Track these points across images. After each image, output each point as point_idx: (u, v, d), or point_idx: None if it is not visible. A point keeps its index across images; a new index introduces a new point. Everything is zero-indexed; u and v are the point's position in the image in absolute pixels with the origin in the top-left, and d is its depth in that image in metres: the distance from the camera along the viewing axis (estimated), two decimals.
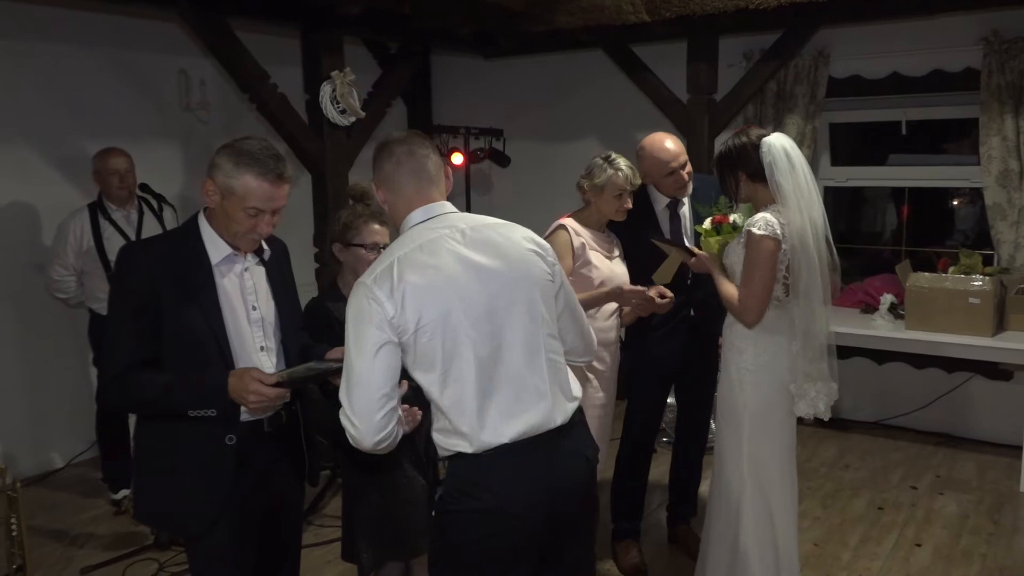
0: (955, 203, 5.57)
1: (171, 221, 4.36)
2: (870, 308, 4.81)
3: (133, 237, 4.15)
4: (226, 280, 2.15)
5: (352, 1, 3.90)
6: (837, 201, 5.66)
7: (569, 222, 3.15)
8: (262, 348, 2.19)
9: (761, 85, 4.96)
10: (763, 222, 2.64)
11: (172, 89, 5.14)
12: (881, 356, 5.03)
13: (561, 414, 1.94)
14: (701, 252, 2.97)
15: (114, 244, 4.09)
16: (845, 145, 5.51)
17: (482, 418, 1.86)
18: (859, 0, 3.99)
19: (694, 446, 3.73)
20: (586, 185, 3.14)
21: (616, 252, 3.26)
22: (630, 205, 3.16)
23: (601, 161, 3.13)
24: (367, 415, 1.83)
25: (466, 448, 1.88)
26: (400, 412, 1.90)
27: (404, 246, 1.92)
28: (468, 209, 6.15)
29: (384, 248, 2.62)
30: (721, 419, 2.93)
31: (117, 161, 4.12)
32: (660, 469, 4.00)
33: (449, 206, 2.00)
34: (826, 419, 2.83)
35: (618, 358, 3.32)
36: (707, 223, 3.12)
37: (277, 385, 2.01)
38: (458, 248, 1.90)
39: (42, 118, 4.54)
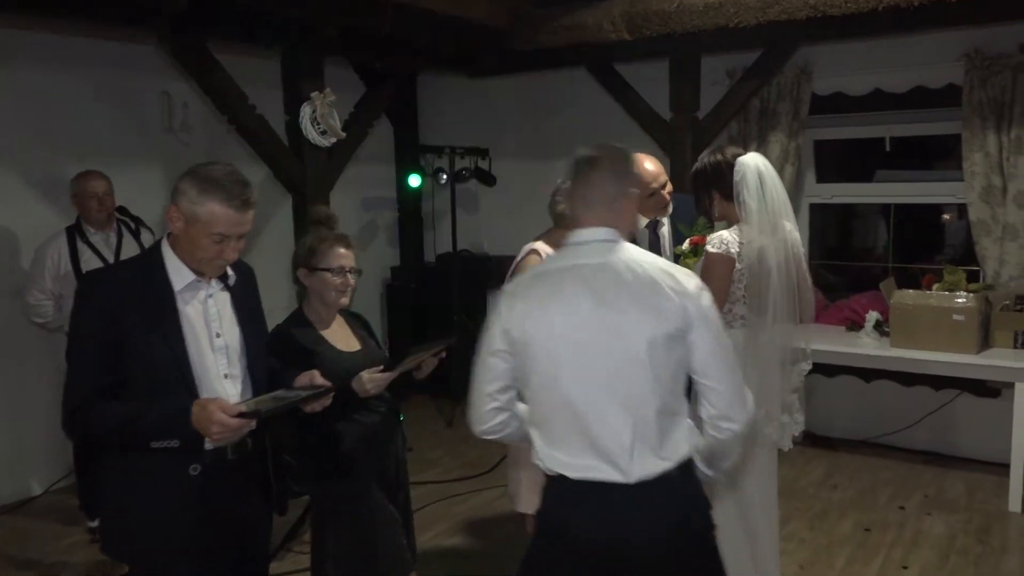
0: (946, 218, 5.56)
1: (150, 244, 4.33)
2: (856, 326, 4.78)
3: (112, 260, 4.10)
4: (189, 307, 2.12)
5: (331, 22, 3.89)
6: (824, 218, 5.65)
7: (540, 246, 3.11)
8: (226, 375, 2.15)
9: (743, 103, 4.95)
10: (718, 240, 2.68)
11: (154, 111, 5.13)
12: (868, 374, 5.00)
13: (638, 469, 1.84)
14: None
15: (93, 267, 4.04)
16: (830, 162, 5.50)
17: (551, 443, 1.93)
18: (839, 18, 3.97)
19: None
20: (560, 208, 3.10)
21: None
22: None
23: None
24: (475, 406, 2.05)
25: (539, 463, 1.98)
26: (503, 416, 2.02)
27: (546, 264, 2.08)
28: (454, 227, 6.13)
29: (351, 272, 2.59)
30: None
31: (95, 184, 4.08)
32: None
33: (602, 233, 1.94)
34: (785, 449, 2.83)
35: None
36: (685, 244, 3.11)
37: (241, 416, 1.98)
38: (572, 279, 1.90)
39: (20, 140, 4.51)
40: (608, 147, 2.02)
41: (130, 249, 4.15)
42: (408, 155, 6.57)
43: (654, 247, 3.39)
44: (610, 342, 1.85)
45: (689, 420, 1.93)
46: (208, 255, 2.08)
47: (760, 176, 2.68)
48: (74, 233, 4.08)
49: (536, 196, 5.74)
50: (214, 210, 2.03)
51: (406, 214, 6.83)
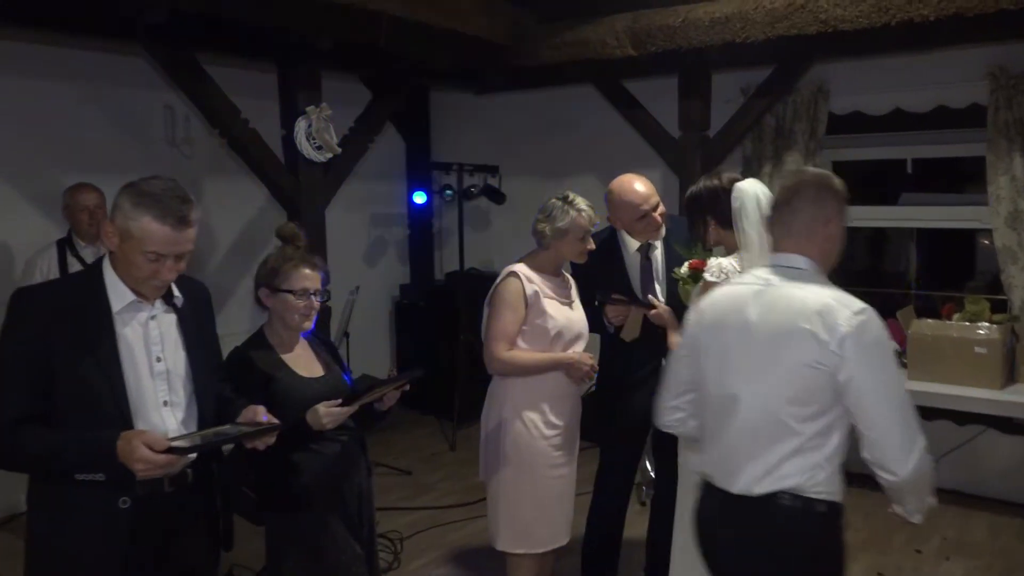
0: (985, 243, 5.30)
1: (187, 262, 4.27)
2: None
3: None
4: (128, 329, 2.00)
5: (323, 35, 3.80)
6: (848, 241, 5.41)
7: (521, 268, 2.96)
8: (165, 403, 2.03)
9: (755, 121, 4.77)
10: (716, 268, 2.53)
11: (157, 125, 5.09)
12: None
13: (757, 486, 1.94)
14: (660, 305, 2.83)
15: None
16: (849, 184, 5.25)
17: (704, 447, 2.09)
18: (851, 33, 3.79)
19: (673, 504, 3.49)
20: (547, 229, 2.94)
21: (573, 296, 3.07)
22: (592, 245, 2.98)
23: (560, 203, 2.94)
24: (660, 403, 2.21)
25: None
26: None
27: (739, 279, 2.15)
28: (461, 245, 6.01)
29: (315, 295, 2.47)
30: (683, 479, 2.72)
31: (86, 197, 4.04)
32: (639, 529, 3.76)
33: (795, 260, 2.01)
34: None
35: (579, 411, 3.11)
36: (684, 268, 2.95)
37: (171, 451, 1.85)
38: (754, 301, 1.97)
39: (18, 152, 4.47)
40: (814, 175, 2.12)
41: None
42: (418, 171, 6.47)
43: (646, 271, 3.23)
44: (767, 367, 1.91)
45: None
46: (143, 274, 1.97)
47: (759, 205, 2.55)
48: (64, 246, 4.04)
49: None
50: (147, 227, 1.92)
51: (416, 231, 6.73)
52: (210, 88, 3.90)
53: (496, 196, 5.97)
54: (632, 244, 3.24)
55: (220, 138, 4.19)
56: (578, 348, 3.01)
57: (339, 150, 4.31)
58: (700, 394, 2.09)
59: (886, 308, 5.17)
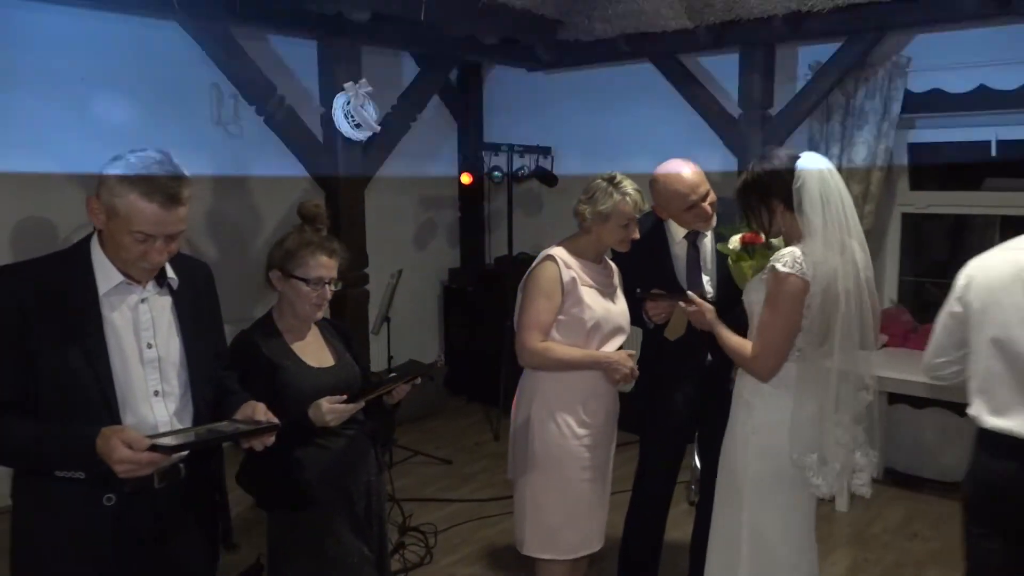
0: None
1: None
2: None
3: None
4: (116, 313, 1.87)
5: (359, 7, 3.63)
6: (921, 230, 5.03)
7: (559, 252, 2.75)
8: (156, 393, 1.89)
9: (821, 99, 4.43)
10: (790, 258, 2.24)
11: (204, 104, 5.02)
12: (961, 407, 4.37)
13: None
14: (702, 303, 2.56)
15: None
16: (928, 168, 4.90)
17: (994, 408, 2.17)
18: (933, 1, 3.43)
19: None
20: (587, 212, 2.72)
21: (615, 285, 2.85)
22: (637, 235, 2.75)
23: (605, 184, 2.71)
24: (928, 354, 2.37)
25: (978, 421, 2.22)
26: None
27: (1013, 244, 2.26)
28: (510, 229, 5.83)
29: (329, 284, 2.32)
30: (719, 483, 2.49)
31: None
32: (684, 531, 3.53)
33: None
34: (866, 494, 2.46)
35: (616, 408, 2.89)
36: (734, 241, 2.67)
37: (154, 449, 1.71)
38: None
39: (60, 130, 4.44)
40: None
41: None
42: (468, 152, 6.28)
43: (692, 261, 2.97)
44: None
45: None
46: (131, 256, 1.83)
47: (824, 185, 2.26)
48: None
49: None
50: (135, 204, 1.78)
51: (467, 214, 6.57)
52: (245, 62, 3.78)
53: (548, 178, 5.76)
54: (678, 232, 2.99)
55: (257, 115, 4.06)
56: (617, 343, 2.79)
57: (378, 128, 4.15)
58: (985, 356, 2.16)
59: None
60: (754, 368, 2.35)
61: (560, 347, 2.70)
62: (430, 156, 6.27)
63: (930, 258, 5.13)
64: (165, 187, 1.80)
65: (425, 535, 3.94)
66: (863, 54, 4.31)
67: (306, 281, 2.28)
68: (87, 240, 1.91)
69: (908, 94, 4.42)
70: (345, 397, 2.19)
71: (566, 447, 2.72)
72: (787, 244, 2.36)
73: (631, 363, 2.73)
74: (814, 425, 2.28)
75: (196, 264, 2.11)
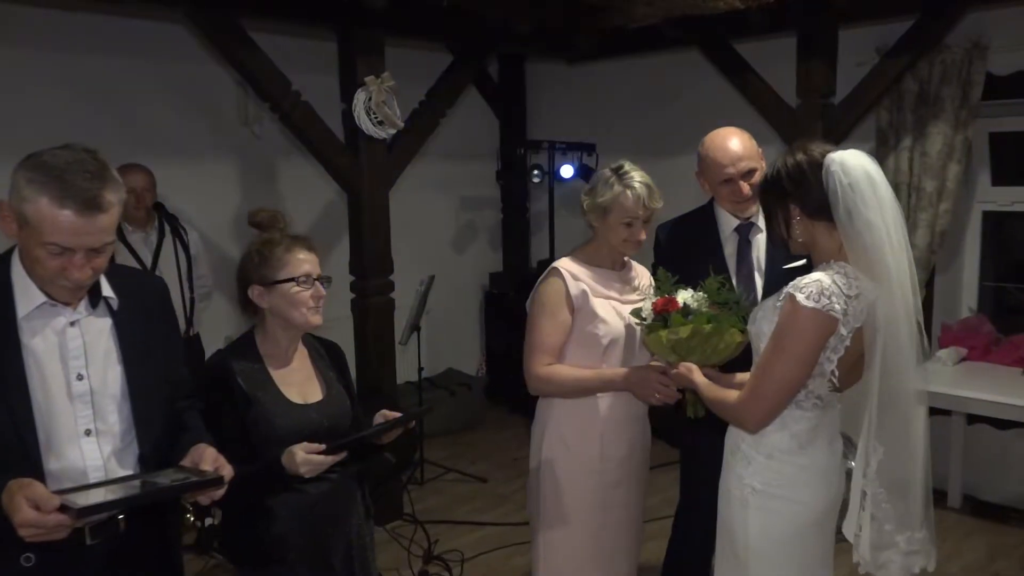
0: None
1: (196, 245, 4.01)
2: None
3: (149, 261, 3.82)
4: (38, 339, 1.61)
5: None
6: (1005, 229, 4.53)
7: (565, 264, 2.41)
8: (88, 432, 1.63)
9: (890, 85, 3.99)
10: (816, 288, 1.79)
11: (229, 103, 4.83)
12: None
13: None
14: (682, 368, 2.13)
15: None
16: (1012, 159, 4.41)
17: None
18: None
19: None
20: (587, 204, 2.39)
21: (643, 293, 2.47)
22: (643, 236, 2.38)
23: (609, 174, 2.37)
24: None
25: None
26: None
27: None
28: (551, 231, 5.52)
29: (320, 281, 2.03)
30: (718, 546, 2.10)
31: (133, 178, 3.79)
32: None
33: None
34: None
35: (647, 439, 2.54)
36: (645, 308, 2.25)
37: (63, 510, 1.42)
38: None
39: (89, 132, 4.24)
40: None
41: (171, 250, 3.84)
42: (510, 151, 5.97)
43: (744, 257, 2.59)
44: None
45: None
46: (47, 272, 1.56)
47: (874, 186, 1.77)
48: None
49: None
50: (45, 211, 1.51)
51: (510, 215, 6.26)
52: (257, 57, 3.54)
53: (592, 177, 5.42)
54: (730, 222, 2.60)
55: (271, 113, 3.83)
56: (644, 358, 2.43)
57: (401, 125, 3.88)
58: None
59: None
60: (737, 415, 1.91)
61: (567, 369, 2.37)
62: (470, 155, 5.98)
63: (1015, 261, 4.62)
64: (82, 191, 1.50)
65: (448, 565, 3.64)
66: (938, 33, 3.85)
67: (295, 281, 1.98)
68: (8, 254, 1.66)
69: (990, 77, 3.96)
70: (324, 447, 1.88)
71: (582, 484, 2.39)
72: (818, 262, 1.92)
73: (657, 374, 2.27)
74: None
75: (146, 279, 1.86)
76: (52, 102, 4.09)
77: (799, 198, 1.86)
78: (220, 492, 1.63)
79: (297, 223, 5.08)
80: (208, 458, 1.64)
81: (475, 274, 6.26)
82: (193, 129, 4.68)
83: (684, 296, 2.16)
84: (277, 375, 2.02)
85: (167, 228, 3.87)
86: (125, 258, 3.78)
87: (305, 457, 1.84)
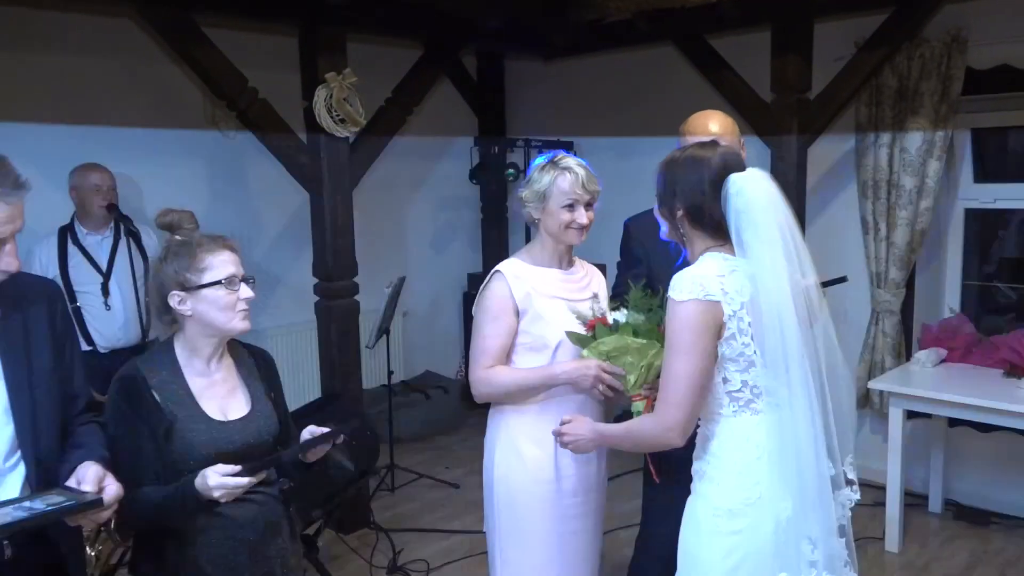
0: None
1: (155, 248, 3.89)
2: (1016, 370, 3.62)
3: (104, 265, 3.71)
4: None
5: None
6: (987, 227, 4.43)
7: (510, 266, 2.29)
8: None
9: (866, 79, 3.90)
10: (688, 281, 1.74)
11: (197, 103, 4.72)
12: None
13: None
14: (573, 422, 2.07)
15: (80, 273, 3.68)
16: (994, 156, 4.31)
17: None
18: None
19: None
20: (525, 195, 2.28)
21: (593, 292, 2.37)
22: (586, 220, 2.26)
23: (544, 162, 2.28)
24: None
25: None
26: None
27: None
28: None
29: (247, 282, 1.90)
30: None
31: (100, 176, 3.72)
32: None
33: None
34: None
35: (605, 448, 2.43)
36: (576, 323, 2.20)
37: None
38: None
39: (49, 132, 4.17)
40: None
41: (126, 253, 3.73)
42: (486, 149, 5.86)
43: None
44: None
45: None
46: None
47: (771, 209, 1.73)
48: (66, 234, 3.70)
49: (631, 196, 4.90)
50: None
51: (489, 215, 6.15)
52: (211, 53, 3.44)
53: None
54: None
55: (227, 111, 3.74)
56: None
57: (363, 123, 3.78)
58: None
59: None
60: (655, 432, 1.81)
61: (506, 369, 2.26)
62: (448, 154, 5.88)
63: (998, 260, 4.52)
64: None
65: None
66: (915, 25, 3.76)
67: (221, 283, 1.85)
68: None
69: (970, 72, 3.86)
70: (239, 468, 1.75)
71: (539, 496, 2.29)
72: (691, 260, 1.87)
73: (594, 367, 2.15)
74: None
75: (38, 285, 1.74)
76: (8, 102, 3.98)
77: (688, 197, 1.81)
78: (104, 514, 1.53)
79: (268, 225, 5.09)
80: (91, 478, 1.53)
81: (454, 275, 6.15)
82: (157, 128, 4.57)
83: (613, 315, 2.13)
84: (197, 388, 1.88)
85: (122, 230, 3.76)
86: (78, 262, 3.68)
87: (220, 481, 1.71)
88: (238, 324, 1.89)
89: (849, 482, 1.81)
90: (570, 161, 2.26)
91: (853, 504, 1.82)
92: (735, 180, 1.74)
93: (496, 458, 2.33)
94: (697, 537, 1.84)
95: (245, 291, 1.90)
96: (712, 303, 1.72)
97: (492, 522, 2.37)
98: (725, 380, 1.78)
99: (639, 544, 2.71)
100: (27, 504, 1.48)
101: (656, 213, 1.95)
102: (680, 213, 1.83)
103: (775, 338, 1.70)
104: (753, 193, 1.72)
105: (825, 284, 2.46)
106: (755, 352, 1.75)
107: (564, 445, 2.09)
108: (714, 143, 1.90)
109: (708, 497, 1.83)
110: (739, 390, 1.78)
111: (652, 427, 1.83)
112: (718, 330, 1.74)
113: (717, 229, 1.78)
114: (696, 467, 1.89)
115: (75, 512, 1.50)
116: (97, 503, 1.50)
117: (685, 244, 1.88)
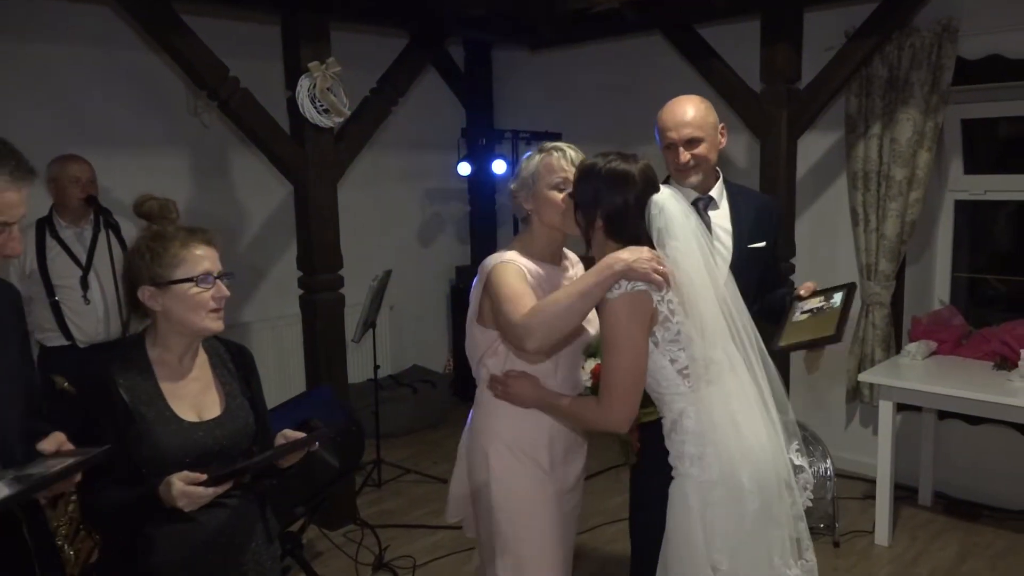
0: None
1: (132, 240, 3.82)
2: (1007, 363, 3.60)
3: (83, 258, 3.65)
4: None
5: None
6: (977, 219, 4.40)
7: (514, 257, 2.15)
8: None
9: (856, 69, 3.86)
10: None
11: (178, 92, 4.64)
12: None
13: None
14: (513, 374, 2.15)
15: (59, 266, 3.61)
16: (985, 147, 4.28)
17: None
18: None
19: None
20: (514, 186, 2.20)
21: None
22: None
23: (531, 152, 2.23)
24: None
25: None
26: None
27: None
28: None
29: (221, 279, 1.82)
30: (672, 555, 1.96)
31: (79, 168, 3.63)
32: None
33: None
34: None
35: (585, 451, 2.39)
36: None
37: None
38: None
39: (27, 122, 4.07)
40: None
41: (105, 246, 3.65)
42: (473, 141, 5.81)
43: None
44: None
45: None
46: None
47: (685, 220, 1.92)
48: (44, 227, 3.63)
49: None
50: None
51: (477, 208, 6.10)
52: (191, 41, 3.37)
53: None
54: (686, 195, 2.46)
55: (208, 100, 3.67)
56: (574, 359, 2.27)
57: (347, 113, 3.72)
58: None
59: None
60: (599, 420, 1.94)
61: (553, 295, 2.01)
62: (437, 145, 5.81)
63: (989, 252, 4.50)
64: None
65: (397, 573, 3.50)
66: (905, 13, 3.72)
67: (193, 280, 1.77)
68: None
69: (960, 62, 3.83)
70: (204, 478, 1.66)
71: (544, 494, 2.22)
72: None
73: (647, 252, 1.93)
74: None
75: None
76: None
77: (608, 210, 1.91)
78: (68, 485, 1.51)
79: (252, 217, 5.02)
80: (49, 441, 1.52)
81: (442, 268, 6.10)
82: (139, 118, 4.49)
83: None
84: (168, 387, 1.80)
85: (102, 222, 3.68)
86: (57, 255, 3.61)
87: (184, 490, 1.63)
88: (209, 324, 1.81)
89: (797, 468, 1.90)
90: (556, 143, 2.20)
91: (811, 486, 1.92)
92: (656, 201, 1.89)
93: (491, 461, 2.21)
94: (687, 516, 1.86)
95: (219, 289, 1.81)
96: (640, 293, 1.84)
97: (492, 528, 2.25)
98: (672, 361, 1.88)
99: (640, 532, 2.65)
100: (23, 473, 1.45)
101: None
102: (600, 224, 1.93)
103: (701, 309, 1.85)
104: (672, 211, 1.89)
105: (832, 289, 2.42)
106: (692, 327, 1.85)
107: (501, 395, 2.12)
108: (633, 155, 1.96)
109: (692, 475, 1.88)
110: (687, 367, 1.86)
111: (597, 417, 1.94)
112: (651, 318, 1.85)
113: (630, 240, 1.89)
114: (675, 451, 1.93)
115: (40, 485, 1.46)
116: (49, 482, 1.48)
117: (590, 246, 1.99)
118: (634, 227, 1.90)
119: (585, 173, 1.96)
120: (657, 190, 1.93)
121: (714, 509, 1.84)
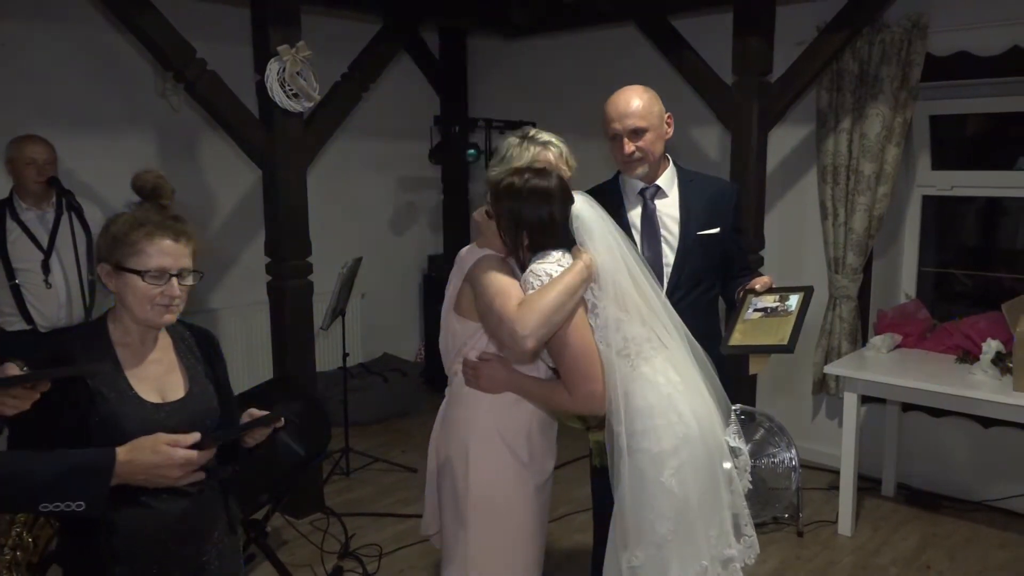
0: None
1: (98, 223, 3.76)
2: (969, 356, 3.65)
3: (45, 241, 3.57)
4: None
5: None
6: (945, 215, 4.45)
7: (492, 254, 2.11)
8: None
9: (827, 62, 3.88)
10: (544, 274, 1.93)
11: (146, 73, 4.56)
12: (986, 418, 3.84)
13: None
14: (484, 359, 2.11)
15: (19, 249, 3.54)
16: (954, 144, 4.32)
17: None
18: None
19: None
20: (495, 172, 2.14)
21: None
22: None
23: (518, 140, 2.17)
24: None
25: None
26: None
27: None
28: None
29: (179, 277, 1.77)
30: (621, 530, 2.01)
31: (35, 148, 3.55)
32: None
33: None
34: None
35: (554, 443, 2.37)
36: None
37: None
38: None
39: None
40: None
41: (68, 229, 3.59)
42: (446, 129, 5.77)
43: (648, 223, 2.49)
44: None
45: None
46: None
47: (599, 222, 2.03)
48: (4, 210, 3.56)
49: (590, 177, 4.84)
50: None
51: (450, 196, 6.07)
52: (156, 21, 3.30)
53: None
54: (635, 186, 2.51)
55: (174, 83, 3.60)
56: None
57: (318, 98, 3.67)
58: None
59: (995, 296, 4.22)
60: (577, 406, 2.01)
61: (536, 291, 1.98)
62: (410, 134, 5.76)
63: (955, 247, 4.55)
64: None
65: (362, 562, 3.48)
66: (875, 10, 3.75)
67: (141, 274, 1.71)
68: None
69: (929, 58, 3.86)
70: (196, 438, 1.63)
71: (526, 484, 2.17)
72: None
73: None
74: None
75: None
76: None
77: (531, 227, 1.97)
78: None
79: (220, 202, 4.95)
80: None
81: (414, 257, 6.08)
82: (106, 100, 4.41)
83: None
84: (130, 368, 1.76)
85: (64, 204, 3.61)
86: (17, 238, 3.54)
87: (186, 455, 1.61)
88: (153, 318, 1.76)
89: (734, 449, 1.99)
90: (545, 135, 2.17)
91: (749, 468, 2.02)
92: (575, 212, 1.99)
93: (472, 445, 2.14)
94: (643, 489, 1.91)
95: (171, 288, 1.74)
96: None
97: (465, 516, 2.17)
98: (608, 345, 1.94)
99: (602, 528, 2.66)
100: None
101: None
102: (527, 243, 1.98)
103: (623, 289, 1.96)
104: (587, 216, 1.99)
105: (788, 289, 2.42)
106: (618, 308, 1.94)
107: (472, 380, 2.10)
108: (543, 169, 2.01)
109: (644, 449, 1.92)
110: (624, 347, 1.93)
111: (573, 404, 1.99)
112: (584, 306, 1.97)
113: (554, 248, 1.97)
114: (624, 431, 1.94)
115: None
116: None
117: (519, 261, 2.03)
118: (556, 240, 1.98)
119: (505, 192, 1.98)
120: (572, 201, 2.01)
121: (668, 478, 1.89)
